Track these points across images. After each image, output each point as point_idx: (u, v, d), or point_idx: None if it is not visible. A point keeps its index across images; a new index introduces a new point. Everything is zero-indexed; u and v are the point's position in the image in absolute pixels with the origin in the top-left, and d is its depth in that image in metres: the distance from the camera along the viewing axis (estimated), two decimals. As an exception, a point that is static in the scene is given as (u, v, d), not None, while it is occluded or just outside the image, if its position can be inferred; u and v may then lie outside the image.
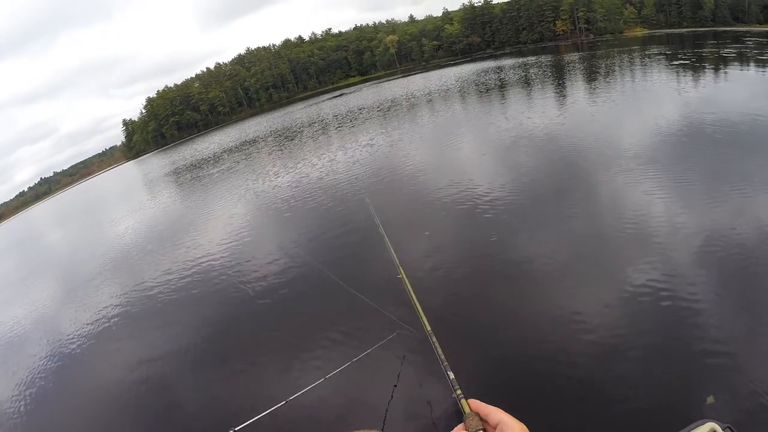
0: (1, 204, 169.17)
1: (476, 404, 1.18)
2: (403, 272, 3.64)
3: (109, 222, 26.96)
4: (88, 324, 11.73)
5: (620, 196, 9.90)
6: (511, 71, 37.88)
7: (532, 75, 31.56)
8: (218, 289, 10.83)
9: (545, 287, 7.15)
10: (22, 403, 9.00)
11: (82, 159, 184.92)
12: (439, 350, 1.97)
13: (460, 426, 1.15)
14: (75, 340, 11.07)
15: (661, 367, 5.23)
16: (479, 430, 1.14)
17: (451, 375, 1.57)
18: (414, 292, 3.00)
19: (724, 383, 4.91)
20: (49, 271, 20.96)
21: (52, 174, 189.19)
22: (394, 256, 4.25)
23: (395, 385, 6.01)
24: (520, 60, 48.78)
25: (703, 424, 1.85)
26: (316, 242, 11.71)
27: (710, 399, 4.86)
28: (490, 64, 53.64)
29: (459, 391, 1.39)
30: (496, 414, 1.11)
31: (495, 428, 1.10)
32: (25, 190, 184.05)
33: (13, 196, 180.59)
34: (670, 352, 5.39)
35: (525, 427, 1.05)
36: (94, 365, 9.64)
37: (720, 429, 1.81)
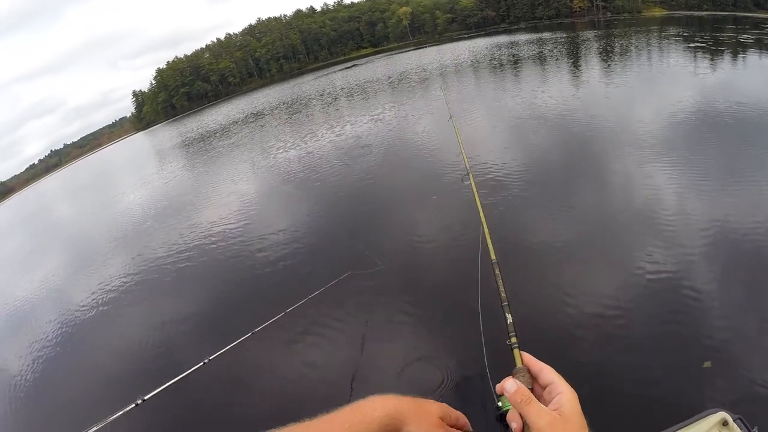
0: (12, 177, 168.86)
1: (528, 359, 1.10)
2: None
3: (118, 194, 26.98)
4: (95, 292, 11.86)
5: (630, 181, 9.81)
6: (526, 47, 37.20)
7: (547, 52, 30.96)
8: (230, 258, 10.94)
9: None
10: (32, 366, 9.30)
11: (92, 131, 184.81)
12: (501, 286, 1.82)
13: (509, 378, 1.04)
14: (84, 307, 11.24)
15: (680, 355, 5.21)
16: (527, 387, 1.03)
17: (509, 318, 1.45)
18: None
19: (733, 373, 4.85)
20: (59, 242, 21.12)
21: (62, 146, 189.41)
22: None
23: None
24: (535, 36, 48.01)
25: (715, 413, 1.90)
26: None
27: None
28: (504, 38, 52.81)
29: (514, 339, 1.31)
30: (548, 374, 1.03)
31: (544, 389, 1.02)
32: (36, 162, 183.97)
33: (24, 168, 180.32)
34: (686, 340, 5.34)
35: (575, 395, 0.97)
36: (100, 331, 9.93)
37: (731, 419, 1.87)
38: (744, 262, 6.34)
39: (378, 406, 1.02)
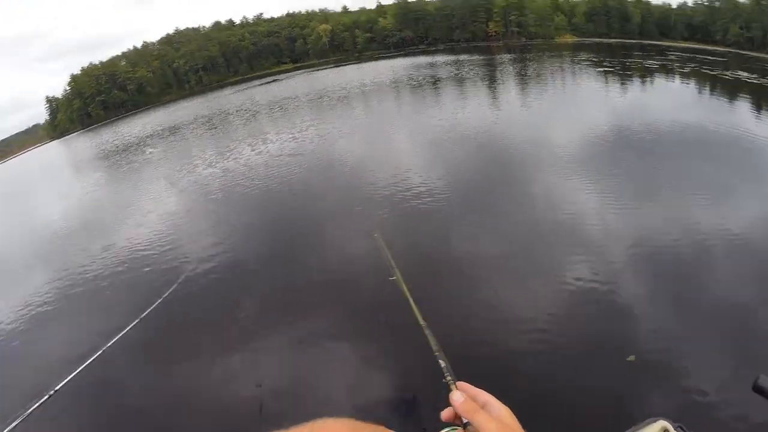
0: None
1: (463, 386, 1.19)
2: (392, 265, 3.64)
3: (30, 208, 26.33)
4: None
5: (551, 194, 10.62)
6: (444, 68, 38.55)
7: (465, 73, 32.14)
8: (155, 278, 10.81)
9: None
10: None
11: (1, 138, 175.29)
12: (432, 340, 1.90)
13: (456, 390, 1.15)
14: None
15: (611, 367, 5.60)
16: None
17: (443, 363, 1.62)
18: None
19: (670, 382, 5.27)
20: None
21: None
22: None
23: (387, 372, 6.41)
24: (453, 57, 49.64)
25: (655, 421, 1.88)
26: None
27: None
28: (423, 59, 54.44)
29: (449, 377, 1.33)
30: (482, 395, 1.14)
31: (482, 408, 1.10)
32: None
33: None
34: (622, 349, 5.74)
35: (509, 410, 1.08)
36: None
37: (672, 428, 1.85)
38: (659, 268, 6.97)
39: (331, 429, 1.06)
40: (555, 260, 7.83)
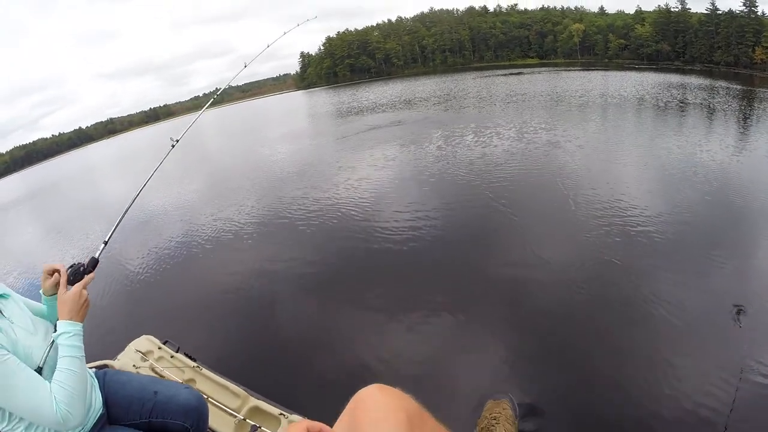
0: (176, 102, 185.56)
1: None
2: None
3: (266, 140, 29.82)
4: (220, 226, 13.93)
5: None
6: (696, 92, 34.79)
7: (718, 103, 28.81)
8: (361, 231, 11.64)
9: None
10: (144, 279, 11.03)
11: (256, 80, 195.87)
12: None
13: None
14: (206, 237, 13.23)
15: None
16: None
17: None
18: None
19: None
20: (202, 173, 23.56)
21: (227, 87, 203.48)
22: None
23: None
24: (708, 82, 44.55)
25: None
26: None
27: None
28: (675, 78, 49.70)
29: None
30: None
31: None
32: (200, 95, 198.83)
33: (188, 98, 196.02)
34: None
35: None
36: (214, 264, 11.41)
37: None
38: None
39: (380, 397, 1.30)
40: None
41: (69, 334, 2.14)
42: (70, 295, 2.23)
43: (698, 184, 12.49)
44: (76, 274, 2.37)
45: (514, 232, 10.63)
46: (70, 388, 2.02)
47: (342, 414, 1.30)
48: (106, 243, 2.87)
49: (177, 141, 4.17)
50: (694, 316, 6.59)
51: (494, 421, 2.04)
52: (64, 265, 2.40)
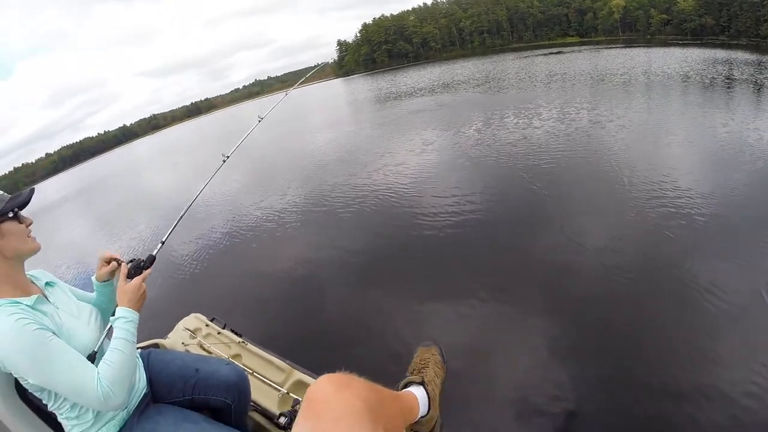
0: (217, 96, 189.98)
1: None
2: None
3: (309, 130, 30.14)
4: (262, 214, 14.35)
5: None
6: (743, 68, 33.07)
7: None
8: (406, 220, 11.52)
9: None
10: (193, 265, 11.50)
11: (294, 69, 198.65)
12: None
13: None
14: (249, 224, 13.69)
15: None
16: None
17: None
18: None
19: None
20: (245, 162, 24.25)
21: (266, 78, 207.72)
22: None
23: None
24: (756, 57, 41.70)
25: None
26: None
27: None
28: (720, 53, 47.82)
29: None
30: None
31: None
32: (239, 87, 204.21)
33: (228, 91, 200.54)
34: None
35: None
36: (258, 249, 11.78)
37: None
38: None
39: (356, 385, 1.33)
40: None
41: (126, 319, 2.28)
42: (130, 286, 2.38)
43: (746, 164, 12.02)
44: (136, 268, 2.52)
45: (554, 214, 10.44)
46: (117, 368, 2.12)
47: (297, 417, 1.27)
48: (163, 243, 3.00)
49: (227, 157, 4.36)
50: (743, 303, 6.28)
51: (423, 364, 2.21)
52: (123, 259, 2.59)
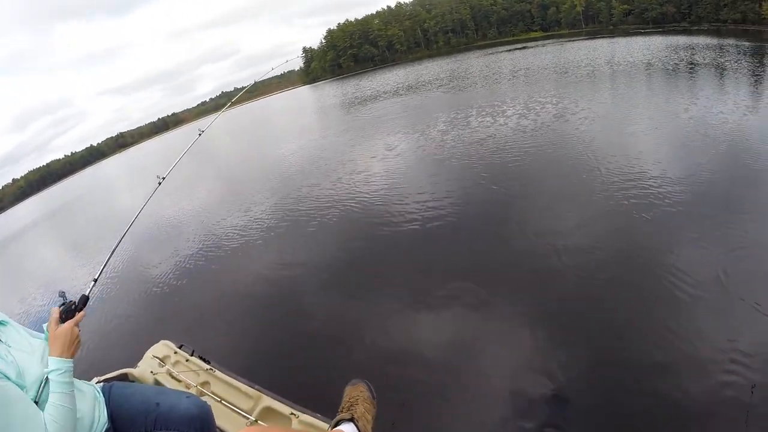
0: (184, 110, 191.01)
1: None
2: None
3: (273, 141, 30.24)
4: (228, 232, 14.18)
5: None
6: (705, 52, 33.38)
7: (729, 62, 27.57)
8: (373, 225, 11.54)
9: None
10: (167, 278, 11.69)
11: (261, 79, 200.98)
12: None
13: None
14: (215, 243, 13.54)
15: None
16: None
17: None
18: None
19: None
20: (216, 176, 24.03)
21: (232, 89, 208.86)
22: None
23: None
24: (717, 41, 42.76)
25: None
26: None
27: None
28: (682, 39, 48.22)
29: None
30: None
31: None
32: (206, 100, 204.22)
33: (195, 104, 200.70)
34: None
35: None
36: (225, 267, 11.62)
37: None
38: None
39: None
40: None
41: (60, 371, 2.23)
42: (61, 331, 2.31)
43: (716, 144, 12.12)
44: (68, 312, 2.42)
45: (519, 210, 10.52)
46: (61, 423, 2.09)
47: None
48: (95, 280, 2.90)
49: (163, 179, 4.50)
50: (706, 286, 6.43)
51: (352, 402, 2.27)
52: (56, 304, 2.47)
